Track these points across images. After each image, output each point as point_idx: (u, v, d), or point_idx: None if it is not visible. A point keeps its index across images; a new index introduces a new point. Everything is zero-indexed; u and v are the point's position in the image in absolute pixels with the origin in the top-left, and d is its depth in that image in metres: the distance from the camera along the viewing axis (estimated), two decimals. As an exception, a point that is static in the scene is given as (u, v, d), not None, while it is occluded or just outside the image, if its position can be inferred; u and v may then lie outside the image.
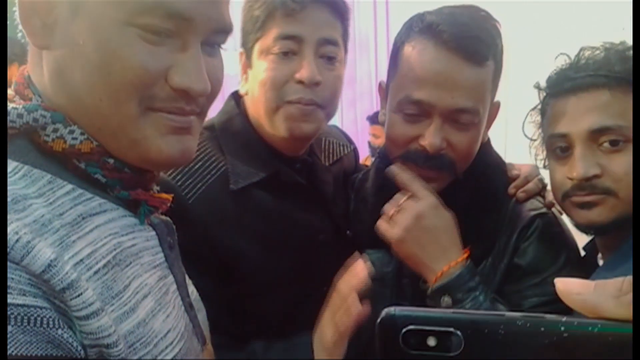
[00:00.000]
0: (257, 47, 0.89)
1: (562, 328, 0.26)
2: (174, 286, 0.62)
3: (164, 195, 0.62)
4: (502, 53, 0.88)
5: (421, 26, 0.85)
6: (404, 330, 0.28)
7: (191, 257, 0.85)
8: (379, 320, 0.29)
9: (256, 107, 0.92)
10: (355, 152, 1.18)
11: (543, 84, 0.90)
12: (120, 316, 0.50)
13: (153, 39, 0.52)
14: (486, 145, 0.95)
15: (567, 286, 0.28)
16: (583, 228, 0.86)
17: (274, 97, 0.88)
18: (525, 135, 0.96)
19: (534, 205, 0.92)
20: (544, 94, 0.90)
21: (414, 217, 0.82)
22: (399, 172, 0.86)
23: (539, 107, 0.92)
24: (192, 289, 0.71)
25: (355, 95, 4.23)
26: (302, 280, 0.95)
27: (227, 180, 0.90)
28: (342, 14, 0.91)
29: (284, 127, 0.89)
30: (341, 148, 1.12)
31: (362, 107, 4.14)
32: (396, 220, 0.83)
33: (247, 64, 0.93)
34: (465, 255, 0.83)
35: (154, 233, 0.61)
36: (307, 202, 0.98)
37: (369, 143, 3.85)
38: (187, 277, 0.69)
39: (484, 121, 0.89)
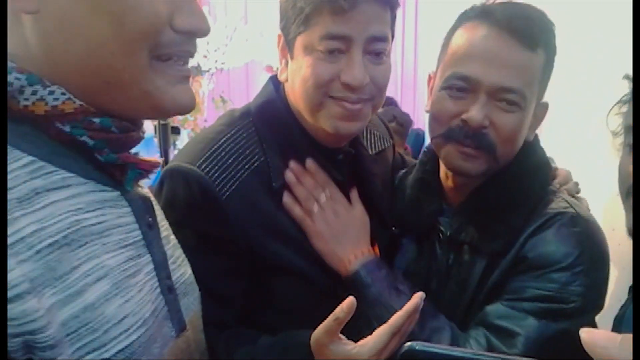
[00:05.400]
0: (299, 41, 0.85)
1: None
2: (150, 266, 0.59)
3: (154, 159, 0.60)
4: (554, 51, 0.89)
5: (475, 12, 0.89)
6: None
7: (227, 254, 0.87)
8: (400, 353, 0.30)
9: (296, 99, 0.89)
10: (394, 147, 1.15)
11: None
12: (63, 299, 0.47)
13: None
14: (533, 143, 0.95)
15: (592, 337, 0.27)
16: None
17: (318, 95, 0.85)
18: (609, 129, 0.91)
19: (558, 205, 0.90)
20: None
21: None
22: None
23: (625, 98, 0.87)
24: (183, 270, 0.66)
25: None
26: (337, 276, 0.94)
27: (263, 175, 0.88)
28: (392, 3, 0.86)
29: (328, 124, 0.86)
30: (382, 141, 1.09)
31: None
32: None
33: (287, 52, 0.89)
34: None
35: (129, 209, 0.57)
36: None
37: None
38: (178, 258, 0.66)
39: (530, 110, 0.89)
